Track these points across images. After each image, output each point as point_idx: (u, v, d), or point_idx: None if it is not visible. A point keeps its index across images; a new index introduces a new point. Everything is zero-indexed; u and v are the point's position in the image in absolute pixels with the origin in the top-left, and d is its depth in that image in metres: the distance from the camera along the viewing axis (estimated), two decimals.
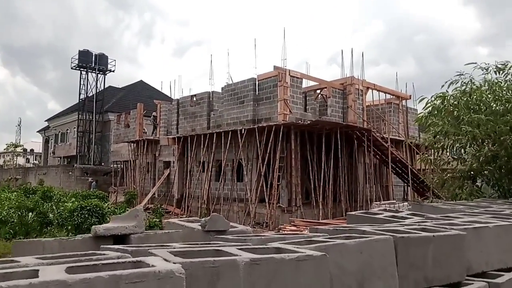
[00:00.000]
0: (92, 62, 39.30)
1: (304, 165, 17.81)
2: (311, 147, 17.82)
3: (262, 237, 1.92)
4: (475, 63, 5.81)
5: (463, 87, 5.81)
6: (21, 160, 62.71)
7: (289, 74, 17.56)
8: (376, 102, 22.12)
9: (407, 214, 3.22)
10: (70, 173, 34.34)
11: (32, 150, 74.37)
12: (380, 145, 19.03)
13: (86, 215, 12.18)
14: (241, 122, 18.91)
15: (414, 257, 1.75)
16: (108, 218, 13.05)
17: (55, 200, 15.60)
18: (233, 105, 19.54)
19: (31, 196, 16.44)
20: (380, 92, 21.79)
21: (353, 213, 3.38)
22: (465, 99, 5.57)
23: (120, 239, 2.34)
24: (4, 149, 49.29)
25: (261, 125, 17.58)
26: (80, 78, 39.35)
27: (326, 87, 20.44)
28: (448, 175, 6.26)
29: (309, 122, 17.25)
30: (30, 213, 13.21)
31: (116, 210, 15.05)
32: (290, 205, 17.05)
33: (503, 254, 2.28)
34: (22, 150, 54.92)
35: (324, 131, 17.63)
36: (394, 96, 22.68)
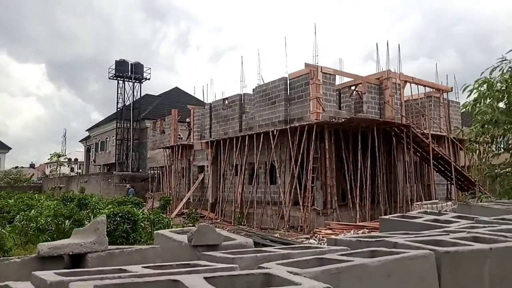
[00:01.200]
0: (128, 71, 40.31)
1: (340, 166, 17.12)
2: (347, 146, 17.11)
3: (258, 255, 1.52)
4: None
5: (509, 72, 5.11)
6: (66, 169, 65.51)
7: (321, 71, 16.96)
8: (415, 97, 20.98)
9: (453, 217, 2.69)
10: (110, 180, 35.30)
11: (76, 159, 77.66)
12: (420, 141, 17.99)
13: (119, 222, 12.19)
14: (273, 123, 18.51)
15: (465, 279, 1.29)
16: (141, 224, 13.10)
17: (91, 207, 15.85)
18: (265, 106, 19.18)
19: (68, 204, 16.83)
20: (419, 86, 20.63)
21: (386, 217, 2.88)
22: None
23: (78, 259, 1.99)
24: (48, 159, 51.60)
25: (293, 125, 17.10)
26: (118, 87, 40.49)
27: (361, 83, 19.61)
28: (500, 169, 5.54)
29: (343, 120, 16.57)
30: (67, 221, 13.44)
31: (151, 215, 15.07)
32: (326, 207, 16.42)
33: None
34: (65, 160, 57.29)
35: (360, 129, 16.86)
36: (434, 90, 21.42)
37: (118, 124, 39.60)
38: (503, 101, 5.10)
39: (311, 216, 16.06)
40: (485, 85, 5.20)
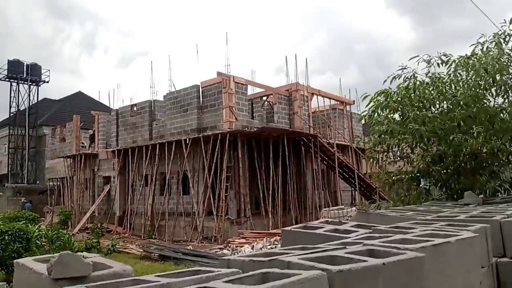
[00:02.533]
0: (23, 72, 36.49)
1: (253, 174, 17.29)
2: (259, 155, 17.36)
3: None
4: (418, 55, 5.58)
5: (406, 83, 5.54)
6: None
7: (234, 81, 17.05)
8: (321, 108, 22.24)
9: (352, 226, 2.71)
10: (1, 193, 31.40)
11: None
12: (326, 150, 19.01)
13: (8, 241, 10.77)
14: (185, 132, 18.06)
15: None
16: (37, 243, 11.72)
17: None
18: (177, 113, 18.65)
19: None
20: (325, 98, 21.93)
21: (288, 228, 2.81)
22: (408, 95, 5.29)
23: None
24: None
25: (206, 133, 16.87)
26: (11, 90, 36.41)
27: (272, 94, 20.18)
28: (396, 176, 5.96)
29: (255, 129, 16.80)
30: None
31: (48, 232, 13.58)
32: (239, 216, 16.41)
33: (467, 275, 1.82)
34: None
35: (271, 138, 17.26)
36: (338, 102, 22.96)
37: (11, 130, 35.56)
38: (397, 112, 5.50)
39: (225, 226, 15.91)
40: (382, 95, 5.56)
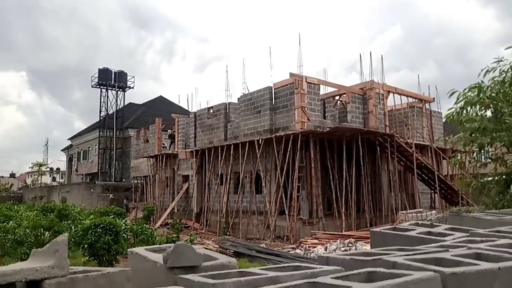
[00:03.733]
0: (111, 79, 39.86)
1: (325, 175, 17.09)
2: (332, 156, 17.10)
3: (242, 280, 1.35)
4: None
5: (502, 76, 5.03)
6: (47, 179, 64.01)
7: (306, 81, 16.99)
8: (398, 107, 21.22)
9: (446, 229, 2.60)
10: (92, 190, 34.56)
11: (58, 169, 76.06)
12: (404, 151, 18.13)
13: (100, 233, 11.82)
14: (258, 132, 18.41)
15: None
16: (124, 236, 12.73)
17: (71, 218, 15.38)
18: (250, 115, 19.08)
19: (48, 214, 16.30)
20: (402, 96, 20.90)
21: (378, 229, 2.77)
22: (504, 90, 4.83)
23: (34, 286, 1.75)
24: (29, 167, 50.37)
25: (278, 134, 17.03)
26: (101, 95, 39.96)
27: (345, 93, 19.74)
28: (487, 178, 5.48)
29: (328, 129, 16.58)
30: (47, 232, 12.97)
31: (134, 226, 14.68)
32: (311, 217, 16.31)
33: None
34: (47, 169, 55.97)
35: (345, 138, 16.90)
36: (416, 100, 21.74)
37: (101, 133, 38.99)
38: (490, 109, 5.04)
39: (297, 226, 15.93)
40: (474, 91, 5.09)
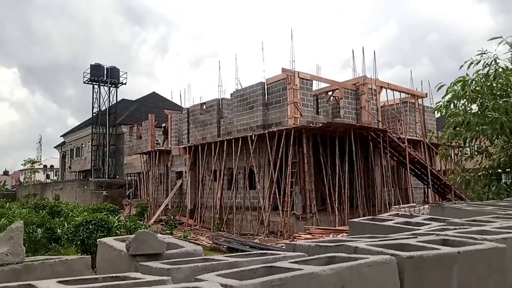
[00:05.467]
0: (103, 75, 39.54)
1: (318, 170, 17.12)
2: (325, 151, 17.12)
3: (199, 265, 1.34)
4: (500, 37, 5.00)
5: (486, 69, 5.02)
6: (41, 176, 63.61)
7: (298, 76, 16.97)
8: (391, 102, 21.28)
9: (424, 220, 2.60)
10: (85, 187, 34.42)
11: (52, 166, 75.62)
12: (397, 146, 18.19)
13: (92, 230, 11.78)
14: (251, 128, 18.39)
15: (431, 287, 1.17)
16: (116, 232, 12.70)
17: (63, 215, 15.31)
18: (243, 111, 19.05)
19: (40, 211, 16.23)
20: (394, 92, 20.94)
21: (356, 220, 2.77)
22: (488, 83, 4.82)
23: None
24: (22, 164, 50.05)
25: (271, 130, 17.01)
26: (93, 92, 39.65)
27: (337, 89, 19.74)
28: (472, 173, 5.48)
29: (321, 124, 16.58)
30: (39, 229, 12.91)
31: (127, 223, 14.65)
32: (305, 212, 16.35)
33: None
34: (40, 166, 55.62)
35: (338, 134, 16.93)
36: (409, 95, 21.79)
37: (93, 129, 38.75)
38: (476, 103, 5.04)
39: (290, 221, 15.96)
40: (459, 85, 5.09)
